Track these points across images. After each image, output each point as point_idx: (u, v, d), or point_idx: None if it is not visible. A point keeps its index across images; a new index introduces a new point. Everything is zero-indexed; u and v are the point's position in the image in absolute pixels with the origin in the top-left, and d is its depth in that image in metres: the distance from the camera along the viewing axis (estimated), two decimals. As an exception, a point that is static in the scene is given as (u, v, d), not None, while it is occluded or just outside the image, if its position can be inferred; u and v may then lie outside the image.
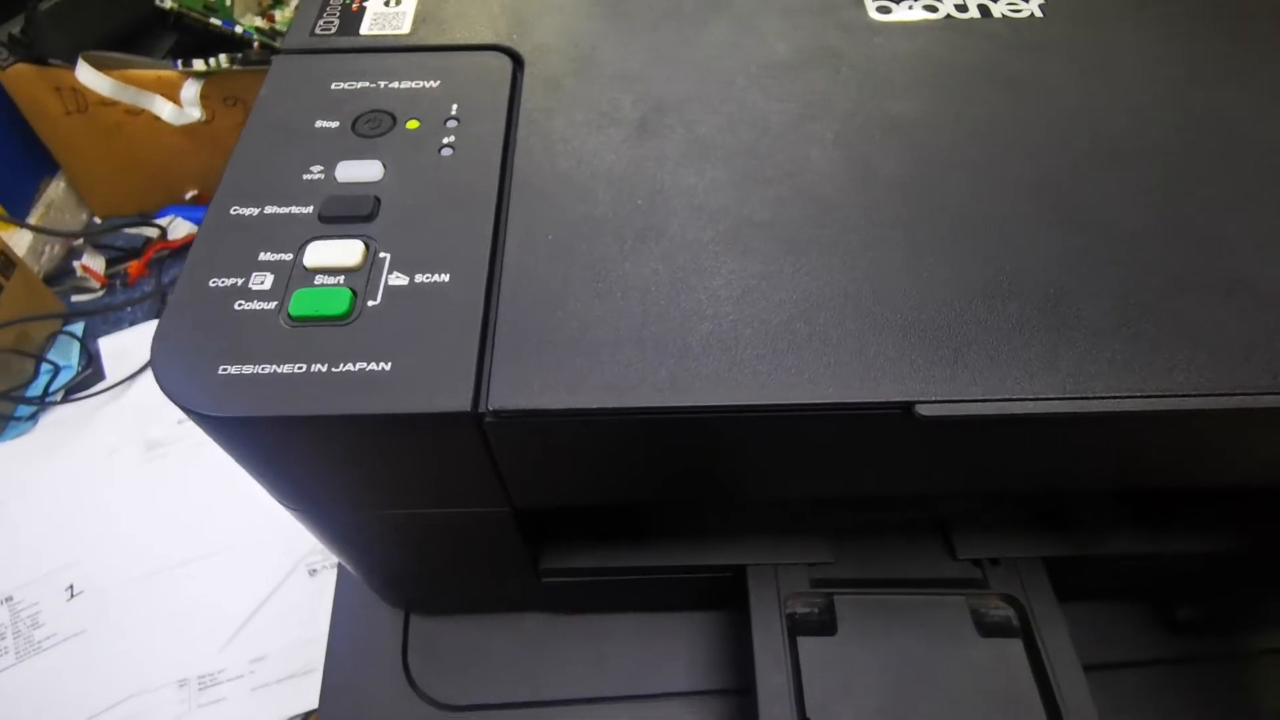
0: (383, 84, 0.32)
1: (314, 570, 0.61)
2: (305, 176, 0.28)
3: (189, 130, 0.79)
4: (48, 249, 0.85)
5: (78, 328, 0.79)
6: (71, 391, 0.74)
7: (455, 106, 0.31)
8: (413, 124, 0.30)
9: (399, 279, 0.26)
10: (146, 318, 0.81)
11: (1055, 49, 0.33)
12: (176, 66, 0.76)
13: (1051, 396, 0.23)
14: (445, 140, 0.30)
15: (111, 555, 0.62)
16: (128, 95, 0.76)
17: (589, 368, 0.24)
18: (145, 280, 0.85)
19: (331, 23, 0.35)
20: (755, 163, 0.29)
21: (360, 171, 0.28)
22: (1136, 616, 0.40)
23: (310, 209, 0.27)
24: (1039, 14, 0.35)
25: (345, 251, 0.26)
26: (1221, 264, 0.26)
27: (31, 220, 0.84)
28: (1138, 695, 0.38)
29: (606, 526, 0.36)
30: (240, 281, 0.25)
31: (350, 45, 0.34)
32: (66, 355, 0.77)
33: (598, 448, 0.26)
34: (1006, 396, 0.23)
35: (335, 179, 0.28)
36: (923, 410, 0.23)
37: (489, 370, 0.24)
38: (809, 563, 0.35)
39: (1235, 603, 0.38)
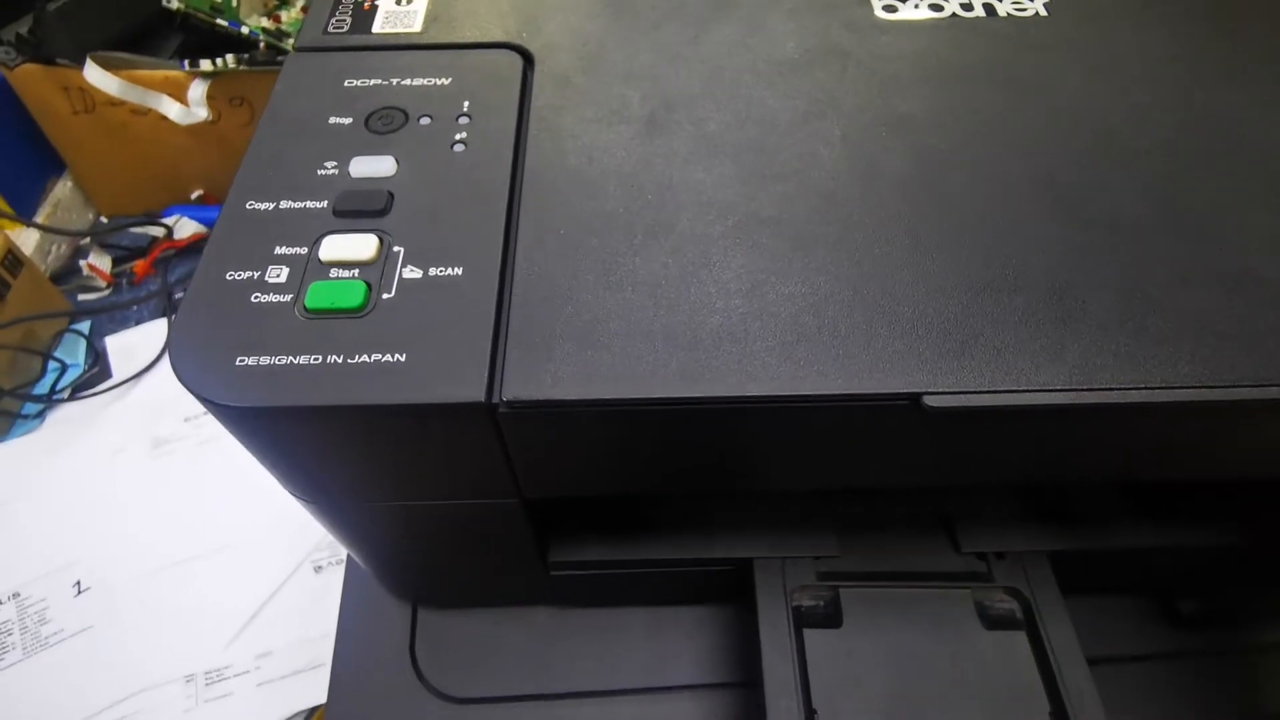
0: (395, 81, 0.32)
1: (319, 567, 0.61)
2: (320, 172, 0.29)
3: (195, 130, 0.80)
4: (54, 248, 0.85)
5: (84, 326, 0.80)
6: (78, 389, 0.74)
7: (467, 103, 0.31)
8: (425, 120, 0.30)
9: (413, 272, 0.26)
10: (152, 316, 0.81)
11: (1060, 48, 0.34)
12: (183, 67, 0.76)
13: (1058, 388, 0.24)
14: (457, 136, 0.30)
15: (118, 552, 0.62)
16: (135, 95, 0.77)
17: (601, 359, 0.24)
18: (151, 279, 0.85)
19: (344, 21, 0.35)
20: (763, 159, 0.29)
21: (374, 167, 0.29)
22: (1140, 611, 0.40)
23: (325, 204, 0.28)
24: (1044, 13, 0.35)
25: (360, 245, 0.26)
26: (1225, 258, 0.26)
27: (38, 219, 0.84)
28: (1141, 689, 0.38)
29: (615, 520, 0.37)
30: (257, 274, 0.26)
31: (362, 43, 0.34)
32: (73, 353, 0.77)
33: (608, 438, 0.27)
34: (1013, 388, 0.24)
35: (349, 174, 0.29)
36: (930, 401, 0.24)
37: (502, 362, 0.24)
38: (815, 556, 0.35)
39: (1239, 597, 0.39)
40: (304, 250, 0.26)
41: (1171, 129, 0.30)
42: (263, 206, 0.28)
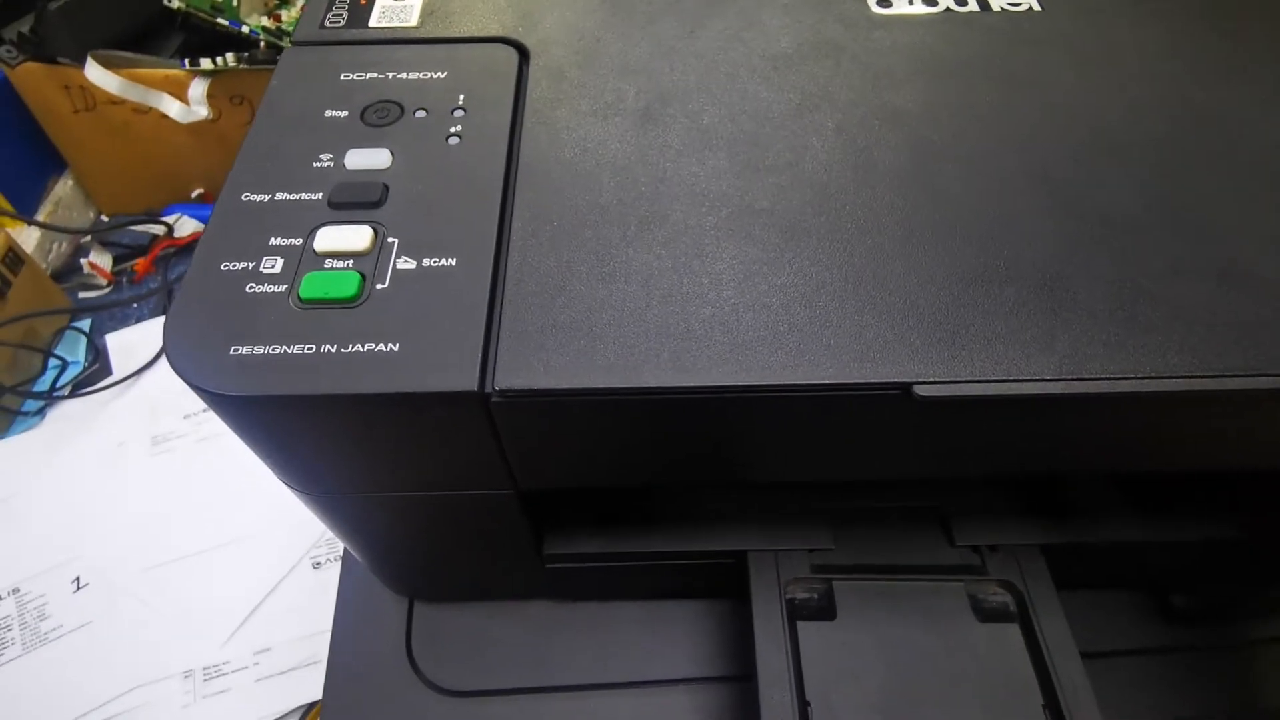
0: (391, 75, 0.32)
1: (318, 563, 0.61)
2: (315, 164, 0.29)
3: (195, 129, 0.80)
4: (55, 246, 0.86)
5: (85, 324, 0.80)
6: (78, 387, 0.75)
7: (462, 97, 0.31)
8: (420, 114, 0.31)
9: (407, 263, 0.26)
10: (153, 314, 0.82)
11: (1053, 42, 0.34)
12: (184, 65, 0.77)
13: (1048, 378, 0.24)
14: (452, 129, 0.30)
15: (117, 548, 0.63)
16: (136, 94, 0.77)
17: (593, 349, 0.24)
18: (151, 277, 0.86)
19: (341, 15, 0.35)
20: (757, 152, 0.30)
21: (369, 159, 0.29)
22: (1133, 606, 0.40)
23: (320, 195, 0.28)
24: (1037, 7, 0.35)
25: (354, 236, 0.26)
26: (1215, 250, 0.26)
27: (40, 217, 0.84)
28: (1134, 683, 0.38)
29: (609, 513, 0.37)
30: (252, 265, 0.26)
31: (359, 37, 0.34)
32: (73, 351, 0.78)
33: (601, 428, 0.27)
34: (1003, 378, 0.24)
35: (345, 166, 0.29)
36: (921, 390, 0.24)
37: (495, 351, 0.24)
38: (809, 549, 0.35)
39: (1232, 592, 0.39)
40: (299, 241, 0.27)
41: (1164, 124, 0.31)
42: (258, 198, 0.28)
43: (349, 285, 0.25)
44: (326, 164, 0.29)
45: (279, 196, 0.28)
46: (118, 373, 0.75)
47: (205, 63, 0.76)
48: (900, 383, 0.24)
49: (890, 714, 0.31)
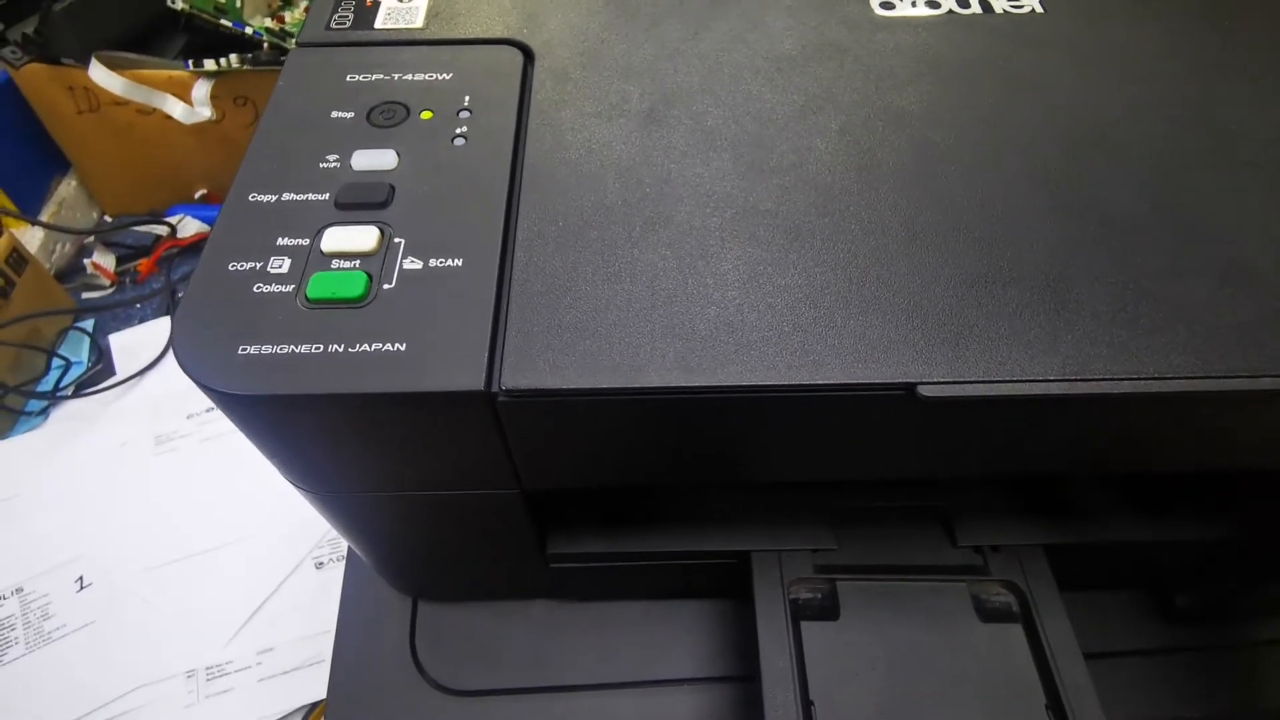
0: (397, 76, 0.32)
1: (321, 563, 0.62)
2: (322, 165, 0.29)
3: (199, 130, 0.80)
4: (59, 246, 0.86)
5: (88, 324, 0.80)
6: (82, 387, 0.75)
7: (467, 98, 0.31)
8: (426, 115, 0.31)
9: (413, 263, 0.26)
10: (156, 314, 0.82)
11: (1056, 44, 0.34)
12: (188, 67, 0.77)
13: (1051, 378, 0.24)
14: (458, 130, 0.30)
15: (121, 548, 0.63)
16: (140, 94, 0.77)
17: (599, 349, 0.24)
18: (155, 278, 0.86)
19: (346, 17, 0.35)
20: (761, 153, 0.30)
21: (375, 160, 0.29)
22: (1135, 606, 0.40)
23: (327, 196, 0.28)
24: (1040, 9, 0.35)
25: (361, 236, 0.27)
26: (1217, 250, 0.27)
27: (43, 218, 0.85)
28: (1137, 684, 0.38)
29: (614, 513, 0.37)
30: (259, 265, 0.26)
31: (365, 39, 0.34)
32: (77, 351, 0.78)
33: (606, 428, 0.27)
34: (1007, 378, 0.24)
35: (351, 167, 0.29)
36: (925, 391, 0.24)
37: (501, 351, 0.25)
38: (812, 549, 0.35)
39: (1234, 592, 0.39)
40: (306, 241, 0.27)
41: (1166, 124, 0.31)
42: (265, 199, 0.28)
43: (356, 285, 0.25)
44: (333, 165, 0.29)
45: (286, 197, 0.28)
46: (121, 373, 0.75)
47: (209, 64, 0.76)
48: (904, 383, 0.24)
49: (893, 714, 0.31)
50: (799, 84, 0.32)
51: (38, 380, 0.75)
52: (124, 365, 0.76)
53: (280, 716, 0.55)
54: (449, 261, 0.26)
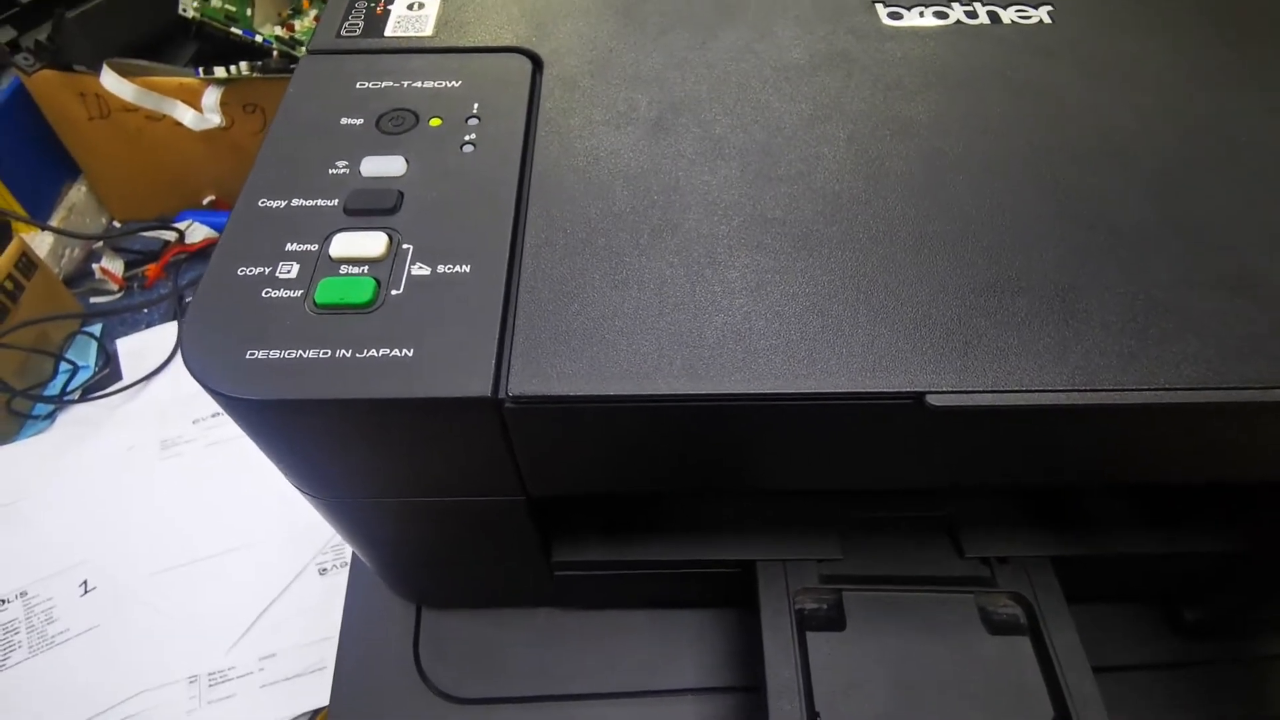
0: (406, 83, 0.32)
1: (324, 569, 0.61)
2: (331, 171, 0.29)
3: (208, 136, 0.81)
4: (68, 251, 0.86)
5: (96, 328, 0.80)
6: (89, 391, 0.75)
7: (476, 105, 0.32)
8: (435, 122, 0.31)
9: (421, 269, 0.26)
10: (163, 320, 0.82)
11: (1063, 54, 0.34)
12: (198, 74, 0.77)
13: (1060, 388, 0.24)
14: (467, 138, 0.30)
15: (125, 552, 0.63)
16: (150, 101, 0.78)
17: (606, 356, 0.24)
18: (162, 283, 0.86)
19: (357, 25, 0.36)
20: (769, 161, 0.30)
21: (384, 166, 0.29)
22: (1144, 619, 0.40)
23: (336, 202, 0.28)
24: (1047, 20, 0.35)
25: (369, 242, 0.27)
26: (1227, 260, 0.26)
27: (53, 223, 0.85)
28: (1145, 698, 0.38)
29: (618, 521, 0.37)
30: (268, 270, 0.26)
31: (374, 46, 0.34)
32: (84, 355, 0.78)
33: (613, 435, 0.27)
34: (1016, 388, 0.24)
35: (360, 174, 0.29)
36: (933, 400, 0.24)
37: (509, 358, 0.25)
38: (818, 559, 0.35)
39: (1243, 606, 0.38)
40: (314, 247, 0.27)
41: (1174, 134, 0.31)
42: (275, 204, 0.28)
43: (364, 291, 0.25)
44: (342, 171, 0.29)
45: (295, 203, 0.28)
46: (128, 377, 0.75)
47: (219, 71, 0.77)
48: (913, 392, 0.24)
49: (899, 726, 0.31)
50: (807, 93, 0.32)
51: (45, 384, 0.75)
52: (131, 370, 0.76)
53: (282, 723, 0.54)
54: (457, 268, 0.26)
